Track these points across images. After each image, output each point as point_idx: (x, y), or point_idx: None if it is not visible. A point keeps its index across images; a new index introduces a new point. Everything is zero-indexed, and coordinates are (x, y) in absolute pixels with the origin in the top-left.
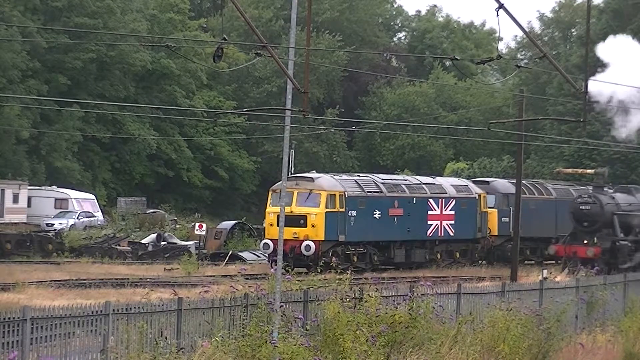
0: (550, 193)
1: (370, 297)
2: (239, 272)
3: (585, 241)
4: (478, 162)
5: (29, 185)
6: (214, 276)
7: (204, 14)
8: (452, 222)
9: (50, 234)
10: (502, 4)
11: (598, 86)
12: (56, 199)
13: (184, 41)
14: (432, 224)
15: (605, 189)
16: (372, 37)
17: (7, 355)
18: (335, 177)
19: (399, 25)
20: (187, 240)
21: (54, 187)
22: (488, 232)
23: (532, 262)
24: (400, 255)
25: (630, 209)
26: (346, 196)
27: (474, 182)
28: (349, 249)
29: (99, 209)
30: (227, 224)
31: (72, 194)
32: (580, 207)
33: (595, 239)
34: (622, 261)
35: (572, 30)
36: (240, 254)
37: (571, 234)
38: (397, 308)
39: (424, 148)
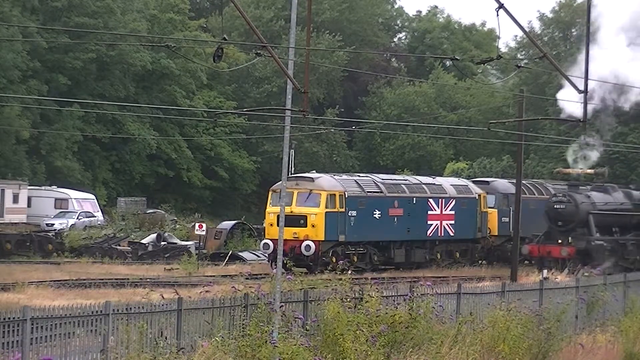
0: (550, 193)
1: (370, 297)
2: (240, 273)
3: (560, 241)
4: (478, 162)
5: (29, 185)
6: (214, 276)
7: (204, 14)
8: (452, 222)
9: (50, 234)
10: (502, 4)
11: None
12: (56, 199)
13: (184, 41)
14: (432, 224)
15: (582, 188)
16: (372, 38)
17: (7, 356)
18: (335, 177)
19: (399, 25)
20: (187, 240)
21: (54, 187)
22: (488, 232)
23: (533, 262)
24: (400, 255)
25: (607, 208)
26: (346, 196)
27: (474, 182)
28: (349, 249)
29: (99, 209)
30: (227, 224)
31: (72, 194)
32: (555, 207)
33: (569, 238)
34: (597, 262)
35: (572, 30)
36: (240, 254)
37: (545, 234)
38: (397, 308)
39: (424, 148)
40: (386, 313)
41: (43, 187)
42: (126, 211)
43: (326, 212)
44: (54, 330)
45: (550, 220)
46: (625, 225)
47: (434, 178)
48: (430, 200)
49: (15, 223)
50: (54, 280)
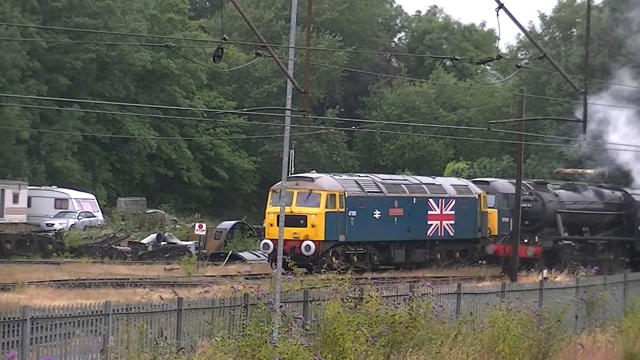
0: None
1: (370, 297)
2: (239, 273)
3: (526, 240)
4: (478, 162)
5: (29, 185)
6: (214, 276)
7: (204, 14)
8: (452, 222)
9: (50, 234)
10: (502, 4)
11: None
12: (56, 199)
13: (184, 41)
14: (432, 224)
15: (550, 186)
16: (372, 37)
17: (7, 355)
18: (335, 177)
19: (399, 25)
20: (187, 240)
21: (54, 187)
22: (488, 232)
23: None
24: (400, 255)
25: (575, 207)
26: (346, 196)
27: (474, 182)
28: (349, 249)
29: (99, 209)
30: (227, 224)
31: (72, 194)
32: (522, 205)
33: (536, 238)
34: (565, 262)
35: (573, 30)
36: (240, 254)
37: (511, 233)
38: (397, 308)
39: (424, 148)
40: (386, 313)
41: (43, 187)
42: (126, 211)
43: (326, 212)
44: (54, 330)
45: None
46: (596, 225)
47: (434, 178)
48: (430, 200)
49: (15, 223)
50: (54, 280)
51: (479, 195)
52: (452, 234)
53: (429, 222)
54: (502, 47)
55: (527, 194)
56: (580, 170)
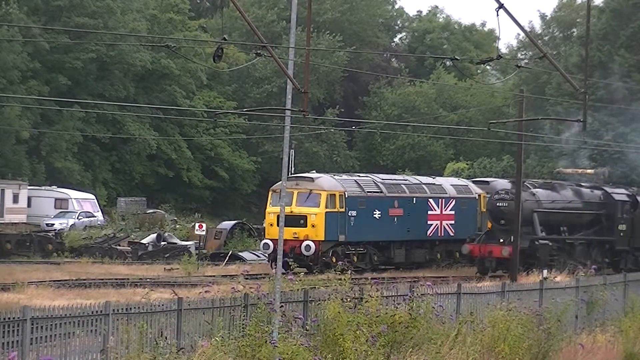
0: None
1: (370, 297)
2: (241, 273)
3: (502, 240)
4: (478, 162)
5: (29, 185)
6: (214, 276)
7: (204, 14)
8: (452, 222)
9: (50, 234)
10: (502, 4)
11: None
12: (56, 199)
13: (184, 41)
14: (432, 224)
15: (527, 185)
16: (373, 38)
17: (7, 355)
18: (335, 177)
19: (400, 25)
20: (187, 240)
21: (54, 187)
22: None
23: (533, 262)
24: (400, 255)
25: (553, 207)
26: (346, 196)
27: (474, 182)
28: (349, 249)
29: (99, 209)
30: (227, 224)
31: (72, 194)
32: (497, 204)
33: (512, 237)
34: (542, 262)
35: (573, 30)
36: (240, 254)
37: (487, 233)
38: (397, 308)
39: (424, 148)
40: (386, 313)
41: (43, 187)
42: (126, 211)
43: (326, 212)
44: (54, 330)
45: (493, 218)
46: (574, 225)
47: (434, 178)
48: (430, 200)
49: (15, 223)
50: (54, 280)
51: (479, 195)
52: (452, 234)
53: (429, 222)
54: (502, 47)
55: (503, 193)
56: (580, 170)
